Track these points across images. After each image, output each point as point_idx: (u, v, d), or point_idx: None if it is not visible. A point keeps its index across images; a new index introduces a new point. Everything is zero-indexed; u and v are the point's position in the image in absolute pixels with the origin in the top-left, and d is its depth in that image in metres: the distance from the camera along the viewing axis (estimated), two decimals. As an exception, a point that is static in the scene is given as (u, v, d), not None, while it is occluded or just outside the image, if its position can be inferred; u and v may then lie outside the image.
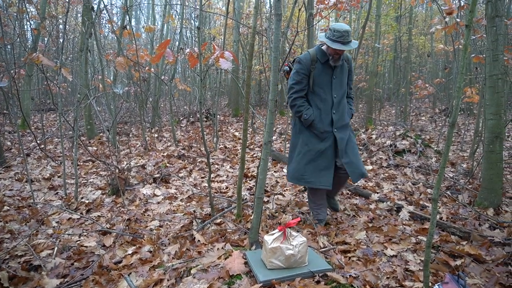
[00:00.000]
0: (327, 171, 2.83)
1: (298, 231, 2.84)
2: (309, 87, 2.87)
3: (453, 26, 4.33)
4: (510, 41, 6.23)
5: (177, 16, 11.04)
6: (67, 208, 3.59)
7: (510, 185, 4.07)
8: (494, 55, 3.28)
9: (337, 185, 3.11)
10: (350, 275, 2.04)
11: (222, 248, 2.47)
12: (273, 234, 1.93)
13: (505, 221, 3.01)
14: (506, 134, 7.40)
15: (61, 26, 9.88)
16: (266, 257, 1.86)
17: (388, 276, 2.21)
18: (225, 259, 2.03)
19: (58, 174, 4.95)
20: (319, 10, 6.60)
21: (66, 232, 3.01)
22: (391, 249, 2.57)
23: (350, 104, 3.05)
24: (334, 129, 2.83)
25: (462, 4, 4.46)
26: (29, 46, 8.73)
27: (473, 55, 4.63)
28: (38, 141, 6.58)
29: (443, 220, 3.09)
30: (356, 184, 2.93)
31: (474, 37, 4.67)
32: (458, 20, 4.46)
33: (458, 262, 2.35)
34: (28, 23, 10.07)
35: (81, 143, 5.91)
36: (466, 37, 1.64)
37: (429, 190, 4.00)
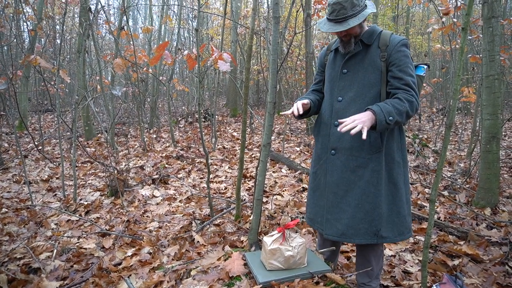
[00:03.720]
0: (321, 210, 1.91)
1: (296, 232, 2.86)
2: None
3: (449, 26, 4.36)
4: (506, 41, 6.26)
5: (174, 17, 11.04)
6: (65, 210, 3.58)
7: (507, 184, 4.10)
8: (490, 55, 3.31)
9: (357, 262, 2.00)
10: (349, 276, 2.05)
11: (222, 249, 2.48)
12: (272, 235, 1.94)
13: (502, 221, 3.03)
14: (503, 133, 7.44)
15: (58, 27, 9.85)
16: (265, 258, 1.87)
17: (386, 276, 2.23)
18: (225, 260, 2.04)
19: (57, 176, 4.94)
20: (316, 10, 6.63)
21: (65, 234, 3.02)
22: (390, 249, 2.59)
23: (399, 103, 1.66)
24: (331, 150, 1.84)
25: (459, 4, 4.49)
26: (26, 47, 8.71)
27: (470, 55, 4.66)
28: (36, 143, 6.56)
29: (441, 220, 3.11)
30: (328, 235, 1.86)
31: (470, 37, 4.70)
32: (455, 20, 4.50)
33: (456, 262, 2.37)
34: (24, 24, 10.05)
35: (79, 144, 5.90)
36: (462, 40, 1.65)
37: (426, 190, 4.02)
